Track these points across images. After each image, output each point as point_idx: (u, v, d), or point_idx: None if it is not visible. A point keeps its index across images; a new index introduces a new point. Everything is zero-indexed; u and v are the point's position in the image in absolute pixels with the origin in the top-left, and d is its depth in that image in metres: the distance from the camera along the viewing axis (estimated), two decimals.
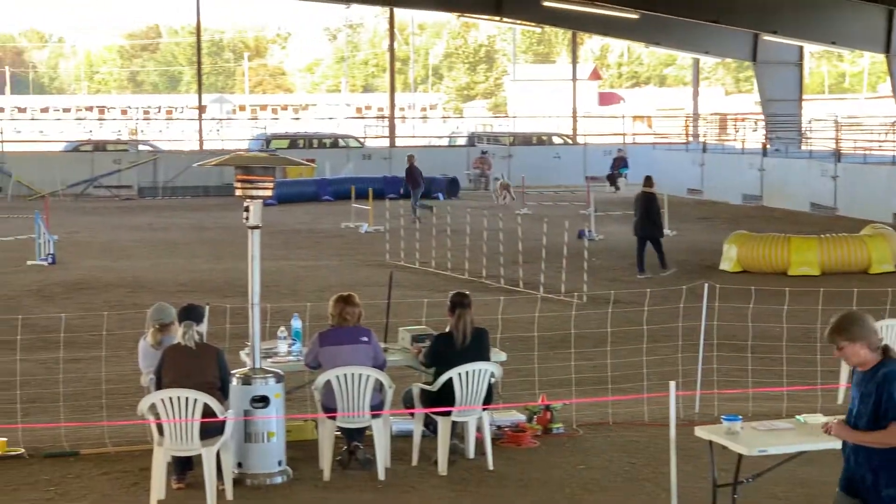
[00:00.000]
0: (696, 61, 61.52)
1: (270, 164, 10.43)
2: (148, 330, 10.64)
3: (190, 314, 10.21)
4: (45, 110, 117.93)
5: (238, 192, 10.28)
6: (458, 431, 10.85)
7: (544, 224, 21.97)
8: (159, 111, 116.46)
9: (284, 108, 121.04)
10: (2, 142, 50.80)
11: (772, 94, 48.83)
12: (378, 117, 79.73)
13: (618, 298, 17.57)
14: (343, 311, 10.59)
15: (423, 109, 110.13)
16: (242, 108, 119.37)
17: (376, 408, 10.40)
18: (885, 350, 6.66)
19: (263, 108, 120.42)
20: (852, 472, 6.76)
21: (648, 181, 23.68)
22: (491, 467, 10.50)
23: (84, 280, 22.46)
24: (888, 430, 6.52)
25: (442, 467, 10.41)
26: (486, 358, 10.69)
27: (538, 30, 72.55)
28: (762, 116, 50.78)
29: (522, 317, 16.05)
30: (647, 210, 23.22)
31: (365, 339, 10.56)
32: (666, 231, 25.83)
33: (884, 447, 6.57)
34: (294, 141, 52.69)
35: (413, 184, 35.94)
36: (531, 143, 56.87)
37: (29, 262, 24.79)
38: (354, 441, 10.55)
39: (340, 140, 53.97)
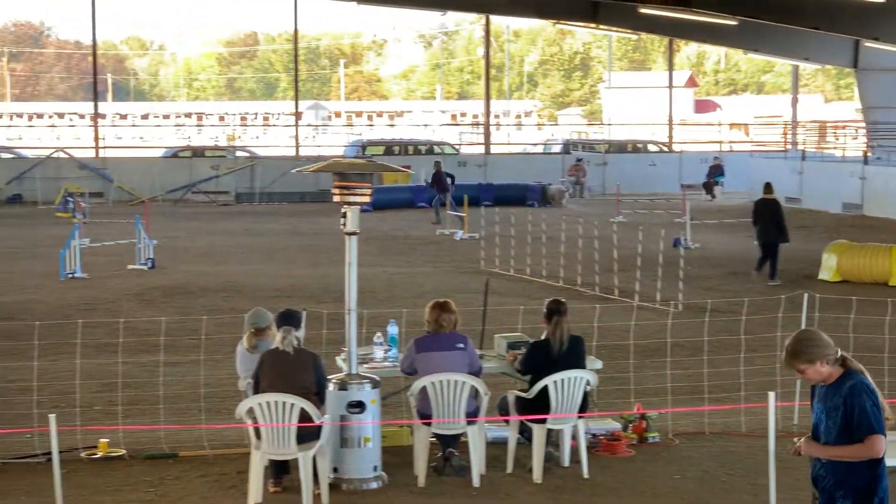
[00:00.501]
0: (796, 68, 60.75)
1: (368, 171, 10.48)
2: (245, 334, 10.74)
3: (289, 319, 10.26)
4: (145, 117, 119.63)
5: (336, 199, 10.35)
6: (552, 439, 10.82)
7: (639, 232, 21.84)
8: (256, 117, 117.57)
9: (380, 114, 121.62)
10: (104, 148, 51.67)
11: (874, 102, 48.07)
12: (473, 124, 79.79)
13: (714, 307, 17.42)
14: (439, 318, 10.61)
15: (518, 116, 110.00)
16: (338, 115, 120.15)
17: (472, 414, 10.40)
18: (844, 361, 6.61)
19: (359, 114, 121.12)
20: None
21: (769, 188, 23.47)
22: (586, 475, 10.45)
23: (182, 284, 22.74)
24: (865, 444, 6.47)
25: (537, 475, 10.39)
26: (581, 366, 10.66)
27: (634, 37, 72.09)
28: (863, 124, 50.02)
29: (618, 325, 15.97)
30: (776, 216, 23.03)
31: (461, 345, 10.57)
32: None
33: (851, 461, 6.54)
34: (389, 147, 52.97)
35: (440, 189, 36.95)
36: (626, 150, 56.61)
37: (129, 267, 25.17)
38: (449, 447, 10.57)
39: (435, 147, 54.10)
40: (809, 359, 6.57)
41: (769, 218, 23.06)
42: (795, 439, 6.99)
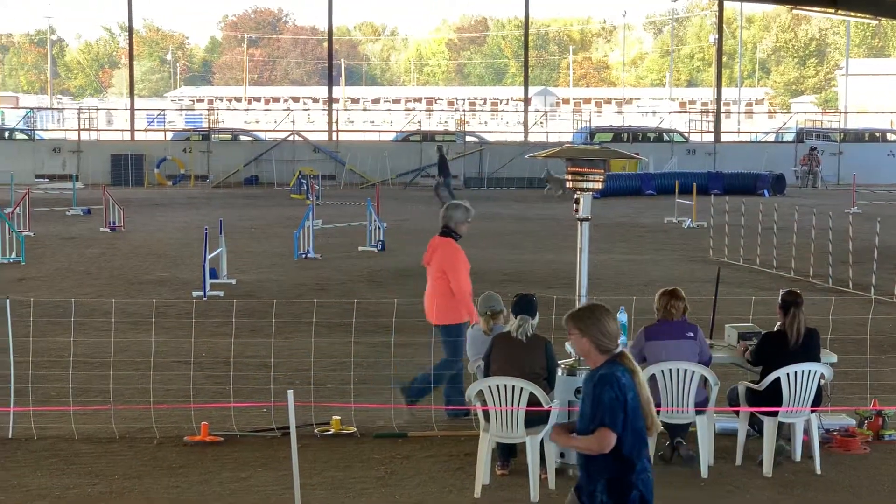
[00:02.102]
0: None
1: (601, 157, 10.44)
2: (479, 317, 10.81)
3: (526, 307, 10.24)
4: (376, 101, 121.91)
5: (568, 185, 10.34)
6: (784, 433, 10.61)
7: (877, 224, 21.18)
8: (485, 103, 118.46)
9: (608, 101, 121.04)
10: (336, 132, 52.83)
11: None
12: (702, 112, 78.63)
13: None
14: (669, 305, 10.52)
15: (749, 104, 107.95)
16: (566, 101, 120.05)
17: (701, 404, 10.28)
18: (617, 356, 6.45)
19: (587, 101, 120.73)
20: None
21: None
22: (819, 471, 10.21)
23: (411, 267, 23.04)
24: (595, 436, 6.35)
25: (767, 469, 10.20)
26: (816, 359, 10.41)
27: (874, 22, 69.83)
28: None
29: (853, 318, 15.54)
30: None
31: (691, 334, 10.45)
32: None
33: (587, 453, 6.42)
34: (618, 135, 52.66)
35: (444, 173, 38.10)
36: (863, 139, 54.93)
37: (360, 248, 25.70)
38: (678, 437, 10.47)
39: (664, 134, 53.55)
40: (581, 328, 6.49)
41: None
42: None
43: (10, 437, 11.13)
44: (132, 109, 56.94)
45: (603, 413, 6.35)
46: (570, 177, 10.32)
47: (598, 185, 10.30)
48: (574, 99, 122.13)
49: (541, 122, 65.13)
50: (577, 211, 10.34)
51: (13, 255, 23.56)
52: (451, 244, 12.27)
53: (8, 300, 11.90)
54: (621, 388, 6.37)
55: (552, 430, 6.77)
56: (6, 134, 53.87)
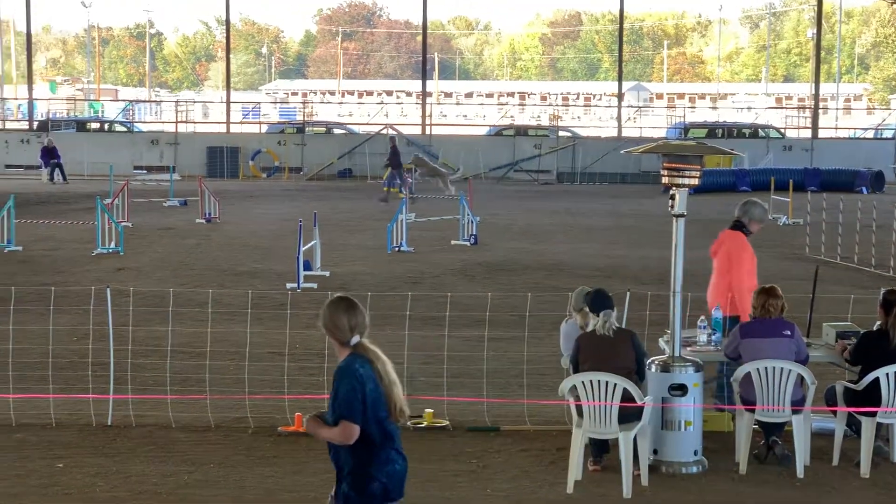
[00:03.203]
0: None
1: (698, 153, 10.36)
2: (573, 312, 10.78)
3: (606, 302, 10.21)
4: (469, 95, 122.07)
5: (665, 180, 10.28)
6: (882, 433, 10.46)
7: None
8: (578, 98, 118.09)
9: (702, 96, 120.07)
10: (430, 125, 52.95)
11: None
12: (799, 107, 77.69)
13: None
14: (766, 303, 10.42)
15: (847, 100, 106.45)
16: (660, 97, 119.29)
17: (797, 403, 10.17)
18: (357, 347, 6.52)
19: (681, 96, 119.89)
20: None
21: None
22: None
23: (504, 261, 23.11)
24: (338, 428, 6.41)
25: (864, 469, 10.06)
26: None
27: None
28: None
29: None
30: None
31: (787, 332, 10.35)
32: None
33: (342, 445, 6.44)
34: (712, 130, 52.19)
35: (395, 164, 37.37)
36: None
37: (453, 242, 25.75)
38: (773, 436, 10.37)
39: (760, 130, 52.98)
40: (322, 325, 6.59)
41: None
42: None
43: (109, 424, 11.33)
44: (228, 102, 57.54)
45: (340, 405, 6.42)
46: (665, 172, 10.26)
47: (695, 181, 10.22)
48: (668, 94, 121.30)
49: (634, 118, 64.77)
50: (672, 207, 10.27)
51: (112, 245, 23.93)
52: (739, 238, 12.38)
53: (108, 289, 12.10)
54: (358, 380, 6.42)
55: (308, 419, 6.70)
56: (106, 126, 54.72)
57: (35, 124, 54.44)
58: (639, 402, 9.67)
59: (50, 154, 44.61)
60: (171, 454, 10.52)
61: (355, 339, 6.54)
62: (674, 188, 10.19)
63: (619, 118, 56.86)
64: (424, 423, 11.34)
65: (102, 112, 74.49)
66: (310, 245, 20.98)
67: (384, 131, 50.02)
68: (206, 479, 9.86)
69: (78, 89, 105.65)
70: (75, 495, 9.43)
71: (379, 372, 6.52)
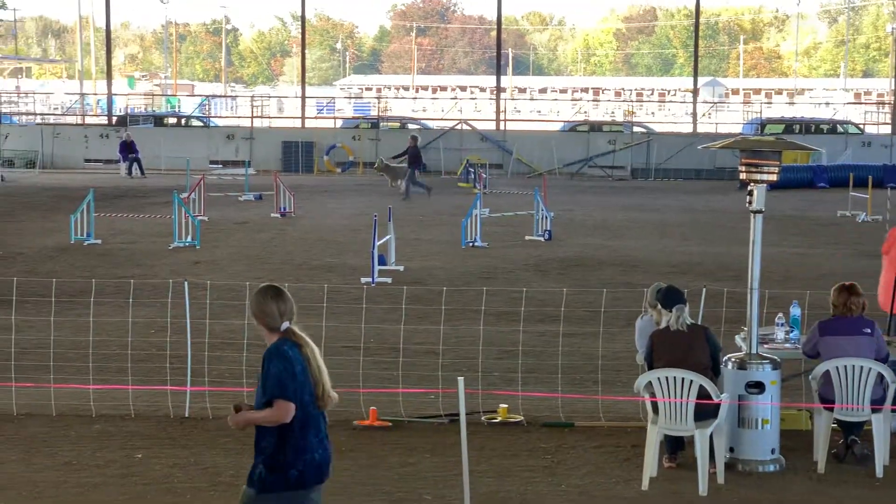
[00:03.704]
0: None
1: (776, 148, 10.27)
2: (648, 308, 10.72)
3: (679, 297, 10.15)
4: (542, 91, 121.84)
5: (742, 176, 10.19)
6: None
7: None
8: (652, 93, 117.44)
9: (779, 92, 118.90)
10: (504, 121, 52.90)
11: None
12: (878, 103, 76.70)
13: None
14: (848, 301, 10.30)
15: None
16: (735, 92, 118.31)
17: (877, 402, 10.04)
18: (285, 332, 6.61)
19: (757, 91, 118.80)
20: None
21: None
22: None
23: (578, 257, 23.04)
24: (273, 408, 6.46)
25: None
26: None
27: None
28: None
29: None
30: None
31: (868, 330, 10.23)
32: None
33: (269, 425, 6.50)
34: (790, 126, 51.66)
35: (414, 163, 36.11)
36: None
37: (527, 237, 25.71)
38: (852, 435, 10.25)
39: (838, 126, 52.36)
40: (251, 313, 6.70)
41: None
42: None
43: (186, 416, 11.44)
44: (303, 97, 57.86)
45: (273, 385, 6.47)
46: (743, 168, 10.17)
47: (773, 177, 10.13)
48: (744, 90, 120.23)
49: (709, 114, 64.27)
50: (750, 203, 10.18)
51: (189, 238, 24.16)
52: None
53: (186, 283, 12.22)
54: (288, 360, 6.51)
55: (230, 417, 6.70)
56: (182, 121, 55.26)
57: (114, 119, 55.10)
58: (715, 400, 9.61)
59: (128, 149, 45.15)
60: (247, 446, 10.52)
61: (285, 324, 6.67)
62: (752, 184, 10.10)
63: (693, 114, 56.48)
64: (499, 419, 11.34)
65: (179, 107, 75.20)
66: (384, 240, 21.05)
67: (458, 126, 50.06)
68: None
69: (155, 85, 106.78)
70: (153, 486, 9.54)
71: (307, 357, 6.63)
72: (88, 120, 61.00)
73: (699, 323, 10.42)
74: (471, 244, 24.27)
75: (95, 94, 77.38)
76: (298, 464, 6.56)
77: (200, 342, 13.11)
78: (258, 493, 6.55)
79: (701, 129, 55.57)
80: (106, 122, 55.89)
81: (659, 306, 10.25)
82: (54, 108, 73.26)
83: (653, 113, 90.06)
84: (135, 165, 44.70)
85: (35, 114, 63.07)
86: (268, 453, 6.54)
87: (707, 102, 72.86)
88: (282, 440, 6.54)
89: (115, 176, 44.26)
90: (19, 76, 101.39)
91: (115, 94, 62.53)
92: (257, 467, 6.58)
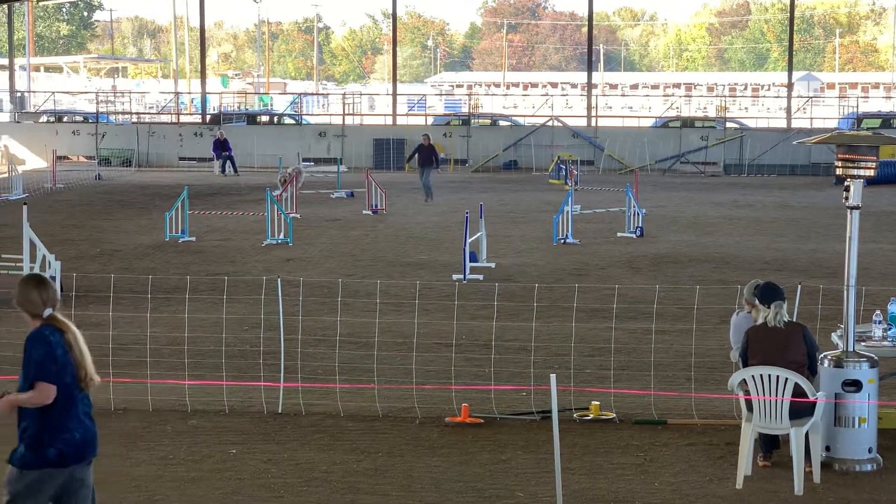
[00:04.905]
0: None
1: (874, 143, 10.11)
2: (745, 305, 10.60)
3: (778, 294, 10.04)
4: (634, 87, 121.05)
5: (839, 171, 10.05)
6: None
7: None
8: (745, 88, 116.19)
9: (875, 86, 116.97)
10: (595, 117, 52.68)
11: None
12: None
13: None
14: None
15: None
16: (831, 87, 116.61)
17: None
18: (48, 319, 6.75)
19: (853, 86, 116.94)
20: None
21: None
22: None
23: (670, 254, 22.87)
24: (35, 390, 6.64)
25: None
26: None
27: None
28: None
29: None
30: None
31: None
32: None
33: (32, 406, 6.66)
34: (887, 121, 50.81)
35: (425, 163, 34.32)
36: None
37: (618, 234, 25.57)
38: None
39: None
40: (17, 301, 6.81)
41: None
42: None
43: (279, 411, 11.54)
44: (394, 94, 58.06)
45: (35, 368, 6.66)
46: (840, 163, 10.03)
47: (871, 172, 9.98)
48: (839, 84, 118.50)
49: (804, 108, 63.44)
50: (846, 198, 10.03)
51: (281, 235, 24.36)
52: None
53: (279, 279, 12.33)
54: (49, 345, 6.69)
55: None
56: (275, 119, 55.72)
57: (207, 118, 55.71)
58: (811, 398, 9.49)
59: (221, 147, 45.64)
60: (339, 442, 10.67)
61: (48, 311, 6.82)
62: (848, 179, 9.95)
63: (788, 109, 55.78)
64: (591, 416, 11.30)
65: (271, 105, 75.78)
66: (476, 236, 21.06)
67: (549, 123, 49.93)
68: (375, 467, 9.98)
69: (248, 83, 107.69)
70: (248, 481, 9.63)
71: (70, 342, 6.79)
72: (183, 119, 61.70)
73: (795, 321, 10.29)
74: (562, 241, 24.20)
75: (189, 93, 78.26)
76: (58, 443, 6.76)
77: (293, 338, 13.23)
78: (20, 470, 6.74)
79: (795, 124, 54.87)
80: (200, 120, 56.50)
81: (756, 302, 10.13)
82: (149, 108, 74.22)
83: (746, 108, 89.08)
84: (228, 163, 45.18)
85: (131, 113, 63.92)
86: (30, 433, 6.75)
87: (802, 97, 71.83)
88: (43, 421, 6.74)
89: (208, 174, 44.77)
90: (115, 76, 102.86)
91: (209, 93, 63.21)
92: (20, 446, 6.79)
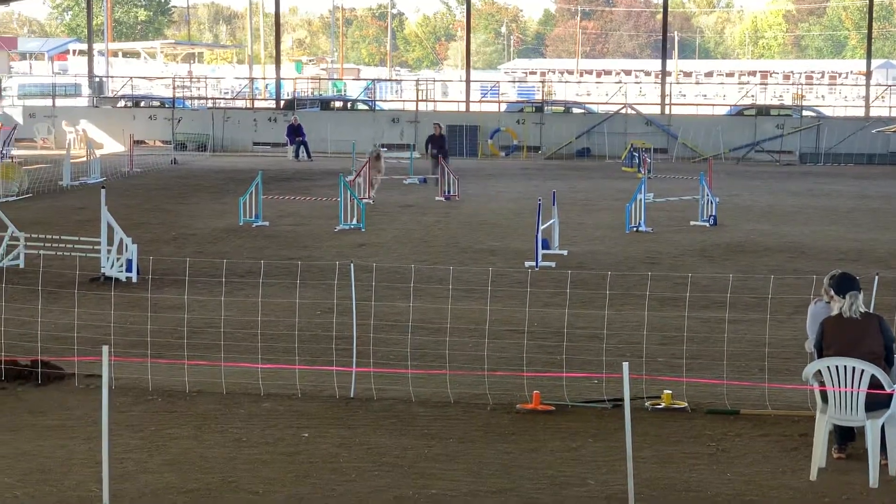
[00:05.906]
0: None
1: None
2: (824, 296, 10.47)
3: (853, 284, 9.91)
4: (709, 74, 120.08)
5: None
6: None
7: None
8: (822, 76, 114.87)
9: None
10: (669, 105, 52.34)
11: None
12: None
13: None
14: None
15: None
16: None
17: None
18: None
19: None
20: None
21: None
22: None
23: (744, 243, 22.69)
24: None
25: None
26: None
27: None
28: None
29: None
30: None
31: None
32: None
33: None
34: None
35: (438, 151, 34.27)
36: None
37: (692, 223, 25.39)
38: None
39: None
40: None
41: None
42: None
43: (351, 396, 11.60)
44: (468, 81, 58.02)
45: None
46: None
47: None
48: None
49: (882, 97, 62.60)
50: None
51: (354, 221, 24.45)
52: None
53: (352, 264, 12.38)
54: None
55: None
56: (348, 105, 55.91)
57: (282, 103, 56.02)
58: (888, 390, 9.37)
59: (295, 132, 45.88)
60: (411, 427, 10.70)
61: None
62: None
63: (866, 97, 55.10)
64: (663, 405, 11.25)
65: (345, 91, 76.11)
66: (548, 224, 21.01)
67: (622, 110, 49.68)
68: (446, 453, 10.00)
69: (322, 69, 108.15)
70: (320, 465, 9.69)
71: None
72: (257, 104, 62.12)
73: (872, 312, 10.16)
74: (635, 229, 24.08)
75: (264, 79, 78.77)
76: None
77: (366, 324, 13.28)
78: None
79: (874, 112, 54.18)
80: (274, 106, 56.83)
81: (832, 293, 10.00)
82: (225, 93, 74.80)
83: (823, 96, 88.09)
84: (302, 148, 45.41)
85: (206, 98, 64.48)
86: None
87: (881, 85, 70.89)
88: None
89: (282, 159, 45.02)
90: (191, 61, 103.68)
91: (283, 79, 63.49)
92: None
